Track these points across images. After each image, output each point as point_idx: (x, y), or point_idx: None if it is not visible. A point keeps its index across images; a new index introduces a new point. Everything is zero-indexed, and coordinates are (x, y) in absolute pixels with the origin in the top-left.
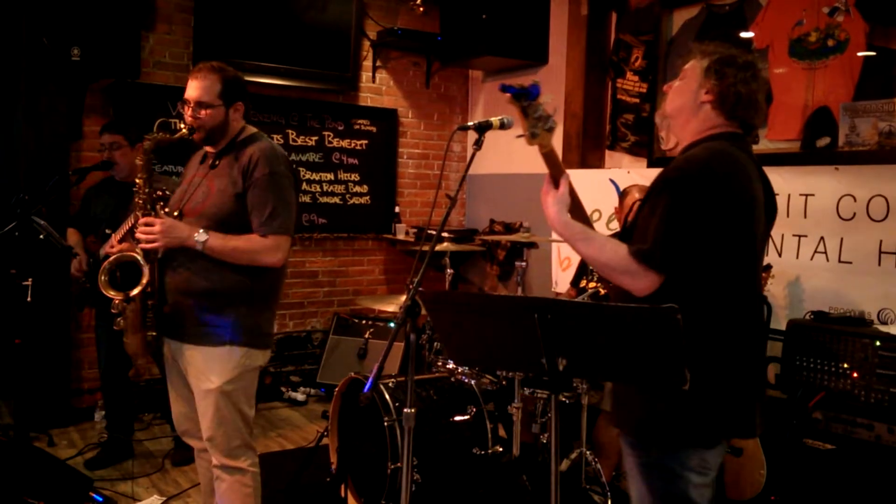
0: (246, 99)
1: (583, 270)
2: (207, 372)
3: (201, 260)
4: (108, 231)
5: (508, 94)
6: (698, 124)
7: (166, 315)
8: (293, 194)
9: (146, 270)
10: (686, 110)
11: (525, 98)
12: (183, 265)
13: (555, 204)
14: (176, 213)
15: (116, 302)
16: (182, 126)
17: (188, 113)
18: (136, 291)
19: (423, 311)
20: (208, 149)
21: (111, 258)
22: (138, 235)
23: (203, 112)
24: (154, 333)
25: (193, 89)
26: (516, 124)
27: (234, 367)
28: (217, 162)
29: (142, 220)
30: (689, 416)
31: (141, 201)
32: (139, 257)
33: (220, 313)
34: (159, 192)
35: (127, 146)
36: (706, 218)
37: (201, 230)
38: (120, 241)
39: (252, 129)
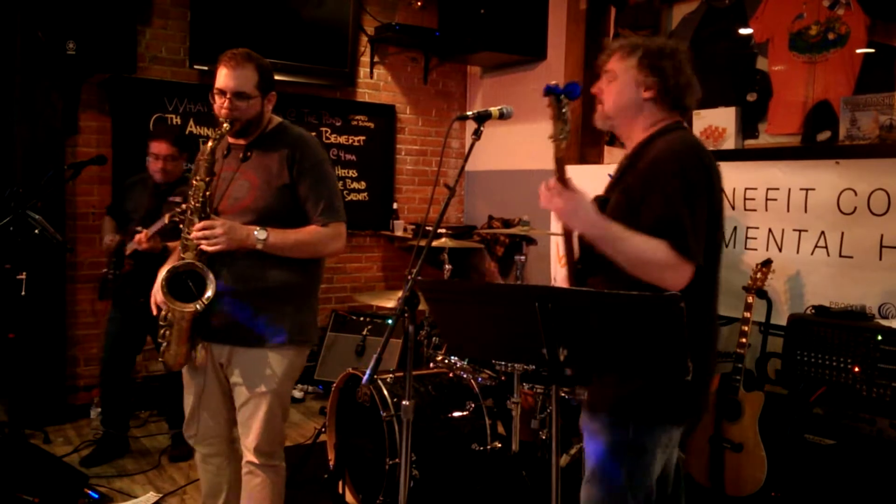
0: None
1: None
2: (263, 374)
3: (248, 259)
4: (138, 229)
5: (550, 96)
6: (644, 120)
7: (215, 320)
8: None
9: (212, 277)
10: (630, 109)
11: (567, 97)
12: (229, 266)
13: (583, 202)
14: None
15: (165, 312)
16: (223, 121)
17: (224, 104)
18: (209, 294)
19: (422, 305)
20: (235, 141)
21: (170, 268)
22: (198, 236)
23: (241, 103)
24: (204, 343)
25: (230, 79)
26: (516, 116)
27: (289, 367)
28: (249, 154)
29: (202, 224)
30: (667, 393)
31: (199, 203)
32: (201, 265)
33: (274, 312)
34: (209, 193)
35: (179, 157)
36: (707, 207)
37: (259, 228)
38: (149, 240)
39: (277, 119)
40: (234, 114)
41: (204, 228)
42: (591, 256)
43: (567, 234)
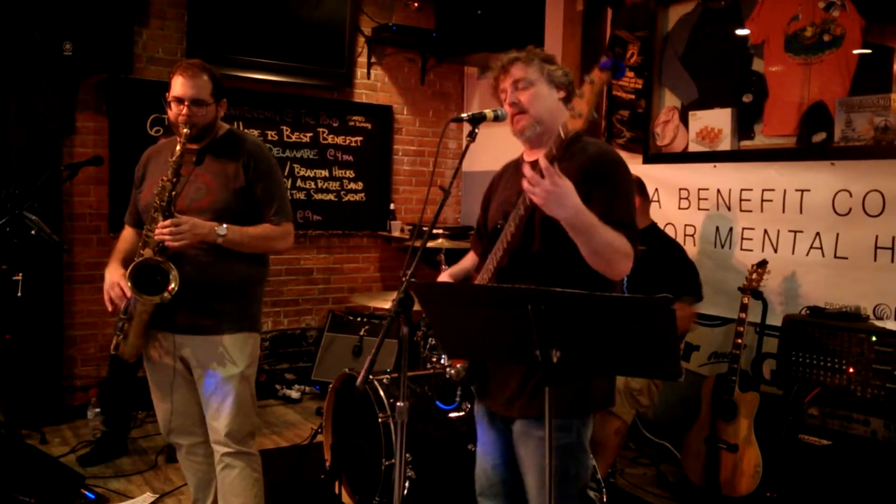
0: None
1: None
2: (229, 359)
3: (208, 253)
4: None
5: (607, 72)
6: (559, 121)
7: (176, 311)
8: None
9: (175, 272)
10: (552, 112)
11: (613, 73)
12: (190, 260)
13: (572, 188)
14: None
15: (126, 305)
16: (183, 126)
17: (183, 111)
18: (172, 286)
19: (418, 306)
20: (188, 146)
21: (134, 262)
22: (164, 234)
23: (199, 110)
24: (165, 334)
25: (189, 87)
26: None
27: (251, 352)
28: (202, 158)
29: (169, 222)
30: (597, 382)
31: (164, 202)
32: (164, 259)
33: (233, 302)
34: (174, 193)
35: None
36: None
37: (219, 225)
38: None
39: (225, 125)
40: (193, 119)
41: (171, 225)
42: (521, 257)
43: (517, 231)
